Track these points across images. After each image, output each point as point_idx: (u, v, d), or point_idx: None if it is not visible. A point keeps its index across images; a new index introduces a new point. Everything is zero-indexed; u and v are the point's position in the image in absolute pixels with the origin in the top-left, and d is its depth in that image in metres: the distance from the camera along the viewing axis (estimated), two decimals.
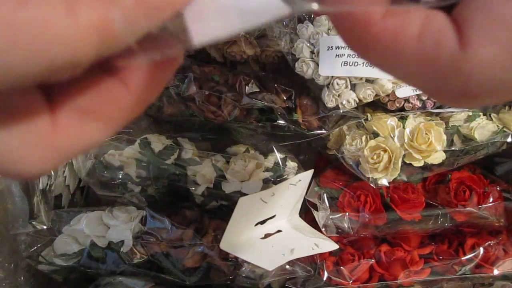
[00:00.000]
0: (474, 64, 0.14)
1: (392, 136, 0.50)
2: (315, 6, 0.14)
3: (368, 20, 0.15)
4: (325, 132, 0.51)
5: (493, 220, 0.52)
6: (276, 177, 0.51)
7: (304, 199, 0.53)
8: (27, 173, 0.14)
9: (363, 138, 0.51)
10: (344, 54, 0.46)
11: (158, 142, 0.52)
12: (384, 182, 0.50)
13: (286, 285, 0.52)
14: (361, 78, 0.48)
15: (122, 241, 0.49)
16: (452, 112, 0.53)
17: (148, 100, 0.16)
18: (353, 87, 0.48)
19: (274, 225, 0.52)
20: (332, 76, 0.47)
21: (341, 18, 0.15)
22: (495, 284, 0.53)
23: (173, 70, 0.16)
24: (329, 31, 0.47)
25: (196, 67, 0.52)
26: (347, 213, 0.51)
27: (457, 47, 0.15)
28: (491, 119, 0.52)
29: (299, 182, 0.50)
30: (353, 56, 0.46)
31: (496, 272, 0.52)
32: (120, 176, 0.52)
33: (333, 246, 0.50)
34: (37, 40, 0.11)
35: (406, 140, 0.49)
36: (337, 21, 0.16)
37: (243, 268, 0.50)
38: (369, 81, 0.48)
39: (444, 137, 0.50)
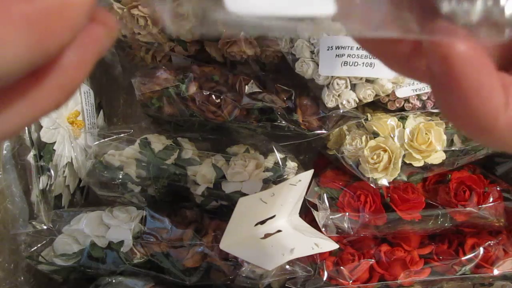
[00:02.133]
0: None
1: (392, 136, 0.50)
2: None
3: (494, 116, 0.15)
4: (325, 132, 0.51)
5: (493, 220, 0.52)
6: (276, 177, 0.51)
7: (304, 199, 0.53)
8: None
9: (363, 138, 0.51)
10: (344, 54, 0.46)
11: (158, 142, 0.52)
12: (384, 182, 0.50)
13: (286, 285, 0.52)
14: (361, 78, 0.48)
15: (122, 241, 0.49)
16: None
17: (79, 80, 0.15)
18: (353, 87, 0.48)
19: (274, 225, 0.52)
20: (332, 76, 0.47)
21: (462, 119, 0.15)
22: (495, 284, 0.53)
23: (101, 49, 0.15)
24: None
25: (196, 67, 0.52)
26: (347, 213, 0.51)
27: None
28: None
29: (299, 182, 0.50)
30: (353, 56, 0.46)
31: (496, 272, 0.52)
32: (120, 176, 0.52)
33: (333, 246, 0.50)
34: None
35: (406, 140, 0.49)
36: (458, 122, 0.16)
37: (243, 268, 0.50)
38: (369, 81, 0.48)
39: (444, 137, 0.50)
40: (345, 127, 0.53)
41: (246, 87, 0.50)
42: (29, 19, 0.12)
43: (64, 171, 0.54)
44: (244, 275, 0.50)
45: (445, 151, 0.50)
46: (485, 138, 0.16)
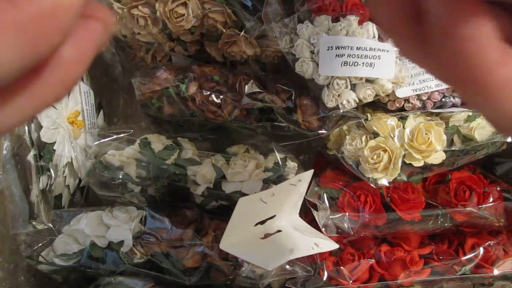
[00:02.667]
0: None
1: (392, 136, 0.50)
2: None
3: (486, 70, 0.15)
4: (325, 132, 0.51)
5: (493, 220, 0.52)
6: (276, 177, 0.51)
7: (304, 199, 0.53)
8: None
9: (363, 138, 0.51)
10: (344, 54, 0.46)
11: (158, 142, 0.52)
12: (384, 182, 0.50)
13: (286, 285, 0.52)
14: (361, 78, 0.48)
15: (122, 241, 0.49)
16: (452, 112, 0.53)
17: (78, 74, 0.15)
18: (353, 87, 0.48)
19: (274, 225, 0.52)
20: (332, 76, 0.47)
21: (455, 76, 0.15)
22: (495, 284, 0.53)
23: (100, 42, 0.16)
24: (329, 31, 0.47)
25: (196, 67, 0.52)
26: (347, 213, 0.51)
27: None
28: None
29: (299, 182, 0.50)
30: (353, 56, 0.46)
31: (496, 272, 0.52)
32: (120, 176, 0.52)
33: (333, 246, 0.50)
34: None
35: (406, 140, 0.49)
36: (451, 81, 0.16)
37: (243, 268, 0.50)
38: (369, 81, 0.48)
39: (444, 137, 0.50)
40: (345, 127, 0.53)
41: (246, 87, 0.50)
42: (20, 25, 0.12)
43: (64, 171, 0.54)
44: (244, 275, 0.50)
45: (445, 151, 0.50)
46: (478, 95, 0.15)
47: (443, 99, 0.53)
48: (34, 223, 0.49)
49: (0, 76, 0.13)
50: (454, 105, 0.54)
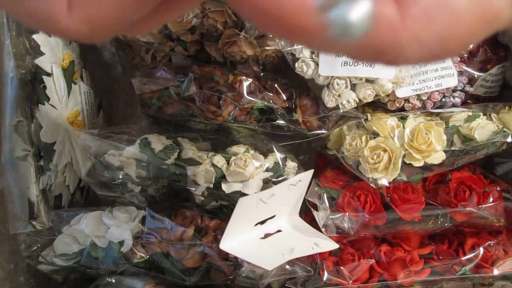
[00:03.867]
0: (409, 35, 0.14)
1: (392, 136, 0.50)
2: None
3: (302, 8, 0.14)
4: (325, 132, 0.51)
5: (493, 220, 0.52)
6: (276, 177, 0.51)
7: (304, 199, 0.53)
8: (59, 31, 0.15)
9: (363, 138, 0.51)
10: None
11: (158, 142, 0.52)
12: (384, 182, 0.50)
13: (286, 285, 0.52)
14: (361, 78, 0.48)
15: (122, 241, 0.49)
16: (452, 112, 0.53)
17: None
18: (353, 87, 0.48)
19: (274, 225, 0.52)
20: (332, 76, 0.47)
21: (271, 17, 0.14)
22: (495, 284, 0.53)
23: None
24: None
25: (196, 67, 0.52)
26: (347, 213, 0.51)
27: (398, 20, 0.14)
28: (491, 119, 0.52)
29: (299, 182, 0.50)
30: None
31: (496, 272, 0.52)
32: (120, 176, 0.52)
33: (333, 246, 0.50)
34: None
35: (406, 140, 0.49)
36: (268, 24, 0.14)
37: (243, 268, 0.50)
38: (369, 81, 0.48)
39: (444, 137, 0.50)
40: (345, 127, 0.53)
41: (246, 87, 0.50)
42: None
43: (64, 171, 0.54)
44: (244, 275, 0.50)
45: (445, 151, 0.50)
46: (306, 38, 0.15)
47: (443, 99, 0.53)
48: (34, 223, 0.49)
49: None
50: (454, 105, 0.54)
